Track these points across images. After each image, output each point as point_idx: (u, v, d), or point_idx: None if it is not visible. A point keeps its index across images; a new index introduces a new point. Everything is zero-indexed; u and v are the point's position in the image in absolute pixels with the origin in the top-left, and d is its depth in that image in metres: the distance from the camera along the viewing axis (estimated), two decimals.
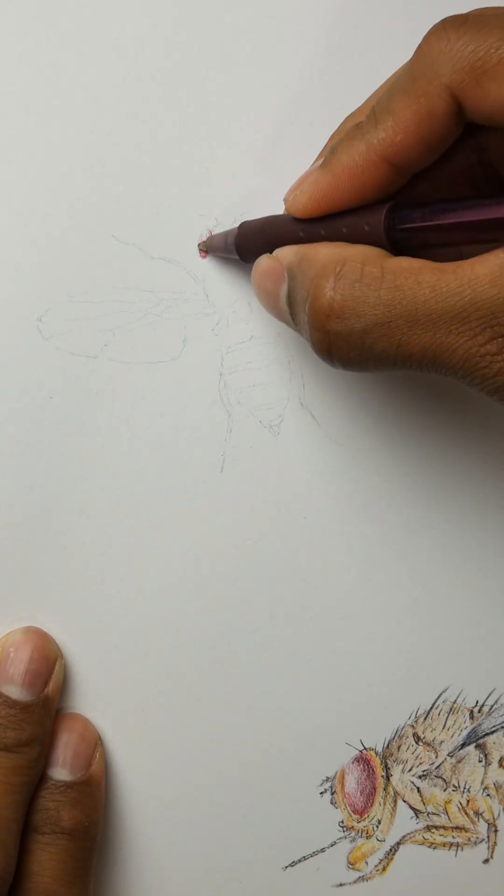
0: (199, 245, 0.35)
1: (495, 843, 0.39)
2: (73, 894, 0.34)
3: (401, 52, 0.35)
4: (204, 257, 0.35)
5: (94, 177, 0.34)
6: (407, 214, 0.29)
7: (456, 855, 0.39)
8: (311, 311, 0.29)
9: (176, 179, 0.35)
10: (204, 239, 0.35)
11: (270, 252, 0.32)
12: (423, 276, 0.27)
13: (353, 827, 0.38)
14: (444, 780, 0.39)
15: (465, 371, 0.27)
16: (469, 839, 0.39)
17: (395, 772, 0.38)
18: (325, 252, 0.29)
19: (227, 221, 0.35)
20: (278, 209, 0.33)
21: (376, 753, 0.38)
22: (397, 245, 0.29)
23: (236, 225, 0.34)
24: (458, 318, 0.27)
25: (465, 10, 0.28)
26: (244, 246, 0.33)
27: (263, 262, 0.32)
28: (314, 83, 0.35)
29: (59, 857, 0.34)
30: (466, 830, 0.39)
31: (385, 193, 0.29)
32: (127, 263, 0.35)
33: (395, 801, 0.38)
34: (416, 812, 0.39)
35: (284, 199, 0.31)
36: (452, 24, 0.27)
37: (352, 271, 0.28)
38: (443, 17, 0.28)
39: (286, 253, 0.31)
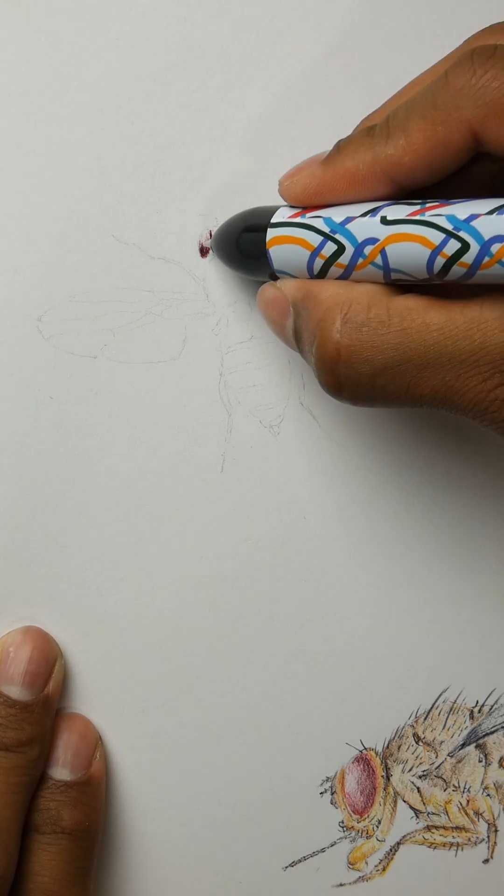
0: (208, 244, 0.35)
1: (495, 843, 0.39)
2: (74, 894, 0.34)
3: (402, 52, 0.35)
4: (204, 257, 0.35)
5: (94, 177, 0.34)
6: None
7: (456, 855, 0.39)
8: (318, 354, 0.29)
9: (176, 179, 0.35)
10: (203, 239, 0.35)
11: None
12: (430, 316, 0.27)
13: (353, 827, 0.38)
14: (445, 780, 0.39)
15: (475, 413, 0.27)
16: (469, 839, 0.39)
17: (395, 772, 0.38)
18: (329, 292, 0.29)
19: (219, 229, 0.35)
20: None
21: (376, 753, 0.38)
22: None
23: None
24: (468, 362, 0.27)
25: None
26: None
27: (268, 291, 0.32)
28: (315, 83, 0.35)
29: (59, 857, 0.34)
30: (466, 830, 0.39)
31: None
32: (127, 263, 0.35)
33: (395, 801, 0.38)
34: (416, 812, 0.39)
35: (280, 181, 0.31)
36: (480, 56, 0.27)
37: (357, 314, 0.28)
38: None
39: (290, 287, 0.31)
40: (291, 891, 0.38)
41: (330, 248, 0.29)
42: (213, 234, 0.34)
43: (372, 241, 0.28)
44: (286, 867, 0.38)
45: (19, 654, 0.35)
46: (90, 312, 0.35)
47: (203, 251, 0.35)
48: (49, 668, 0.35)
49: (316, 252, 0.29)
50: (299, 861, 0.38)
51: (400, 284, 0.29)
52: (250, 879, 0.38)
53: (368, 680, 0.37)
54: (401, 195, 0.29)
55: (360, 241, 0.28)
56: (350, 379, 0.28)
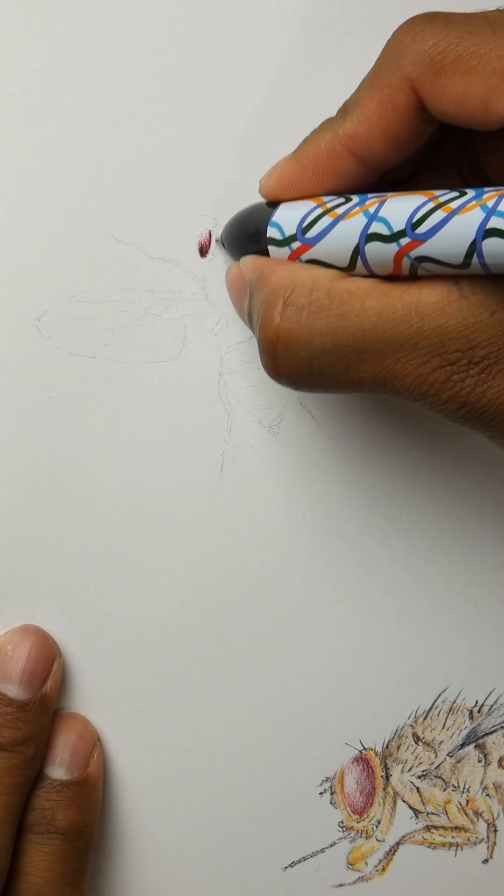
0: (217, 240, 0.35)
1: (495, 843, 0.39)
2: (66, 895, 0.34)
3: None
4: (204, 257, 0.35)
5: (94, 177, 0.34)
6: None
7: (455, 855, 0.39)
8: (260, 336, 0.29)
9: (176, 179, 0.35)
10: (203, 239, 0.35)
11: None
12: (369, 301, 0.27)
13: (352, 827, 0.38)
14: (444, 780, 0.39)
15: (416, 396, 0.28)
16: (469, 839, 0.39)
17: (395, 772, 0.38)
18: (278, 274, 0.30)
19: (227, 221, 0.35)
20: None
21: (376, 753, 0.38)
22: None
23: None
24: (407, 346, 0.27)
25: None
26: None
27: (232, 270, 0.32)
28: (315, 84, 0.35)
29: (52, 858, 0.34)
30: (466, 830, 0.39)
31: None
32: (126, 263, 0.35)
33: (395, 802, 0.38)
34: (416, 812, 0.39)
35: (259, 181, 0.31)
36: (421, 20, 0.27)
37: (299, 297, 0.28)
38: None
39: (248, 265, 0.31)
40: (291, 891, 0.38)
41: (337, 201, 0.29)
42: (223, 228, 0.34)
43: (381, 195, 0.28)
44: (286, 867, 0.38)
45: (17, 652, 0.35)
46: (90, 312, 0.35)
47: (203, 251, 0.35)
48: (47, 667, 0.35)
49: (321, 205, 0.29)
50: (299, 861, 0.38)
51: (352, 273, 0.29)
52: (250, 879, 0.38)
53: (368, 680, 0.37)
54: (372, 176, 0.29)
55: (369, 197, 0.28)
56: (288, 362, 0.29)
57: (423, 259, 0.27)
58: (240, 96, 0.35)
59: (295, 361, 0.28)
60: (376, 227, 0.28)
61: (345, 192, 0.29)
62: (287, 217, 0.30)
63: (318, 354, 0.28)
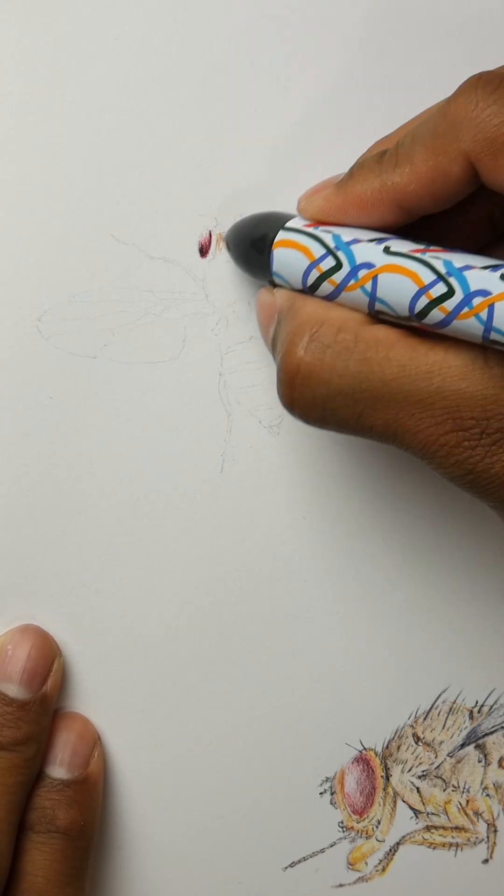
0: (225, 238, 0.35)
1: (495, 843, 0.39)
2: (67, 894, 0.34)
3: (401, 57, 0.35)
4: (204, 257, 0.35)
5: (94, 177, 0.34)
6: None
7: (455, 855, 0.39)
8: (282, 365, 0.29)
9: (176, 179, 0.35)
10: (203, 239, 0.35)
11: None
12: (394, 351, 0.28)
13: (352, 827, 0.38)
14: (444, 781, 0.39)
15: (424, 455, 0.28)
16: (469, 839, 0.39)
17: (395, 772, 0.38)
18: (309, 308, 0.30)
19: (227, 221, 0.35)
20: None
21: (376, 753, 0.38)
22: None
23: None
24: (422, 403, 0.27)
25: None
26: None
27: (263, 295, 0.32)
28: (314, 84, 0.35)
29: (53, 857, 0.34)
30: (466, 830, 0.39)
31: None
32: (127, 263, 0.35)
33: (395, 802, 0.38)
34: (416, 812, 0.39)
35: (298, 200, 0.32)
36: (484, 87, 0.27)
37: (326, 335, 0.29)
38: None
39: (281, 296, 0.31)
40: (291, 891, 0.38)
41: (328, 262, 0.29)
42: (231, 226, 0.34)
43: (368, 265, 0.29)
44: (286, 867, 0.38)
45: (17, 652, 0.35)
46: (90, 312, 0.35)
47: (203, 251, 0.35)
48: (47, 666, 0.35)
49: (314, 263, 0.30)
50: (299, 861, 0.38)
51: (379, 319, 0.29)
52: (250, 880, 0.38)
53: (368, 680, 0.37)
54: (410, 219, 0.29)
55: (357, 262, 0.29)
56: (304, 397, 0.29)
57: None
58: (240, 96, 0.35)
59: (311, 397, 0.29)
60: (381, 307, 0.29)
61: (380, 229, 0.30)
62: (288, 272, 0.31)
63: (334, 394, 0.28)
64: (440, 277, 0.27)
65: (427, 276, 0.27)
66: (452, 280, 0.27)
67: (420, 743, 0.38)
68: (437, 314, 0.27)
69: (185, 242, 0.35)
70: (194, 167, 0.35)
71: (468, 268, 0.27)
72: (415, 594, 0.37)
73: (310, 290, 0.30)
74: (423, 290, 0.27)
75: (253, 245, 0.32)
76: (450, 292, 0.27)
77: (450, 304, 0.27)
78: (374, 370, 0.28)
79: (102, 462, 0.35)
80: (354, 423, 0.28)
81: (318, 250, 0.30)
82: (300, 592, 0.37)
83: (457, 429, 0.27)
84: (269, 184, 0.35)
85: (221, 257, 0.35)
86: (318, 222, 0.31)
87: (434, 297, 0.27)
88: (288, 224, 0.31)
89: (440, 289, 0.27)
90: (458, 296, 0.27)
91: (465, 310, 0.27)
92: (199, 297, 0.35)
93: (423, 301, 0.27)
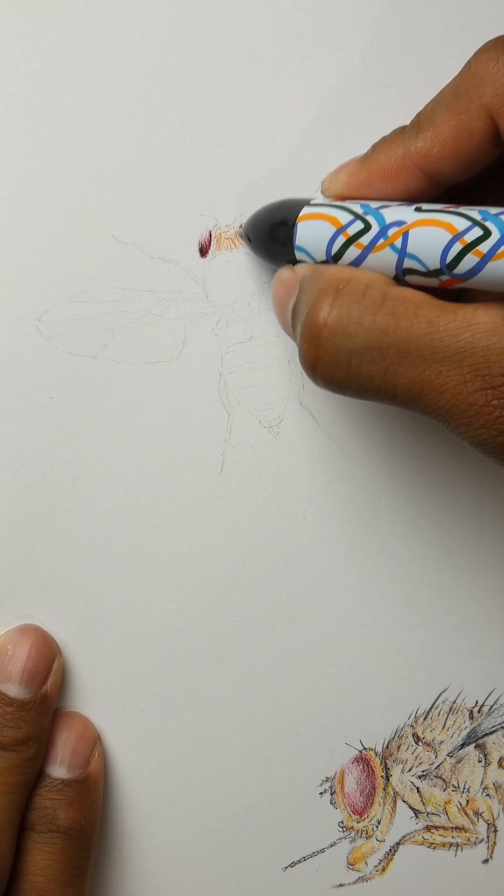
0: (244, 227, 0.35)
1: (495, 843, 0.39)
2: (68, 894, 0.34)
3: (401, 54, 0.35)
4: (204, 257, 0.35)
5: (94, 177, 0.34)
6: None
7: (455, 855, 0.39)
8: (306, 322, 0.29)
9: (176, 179, 0.35)
10: (203, 239, 0.35)
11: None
12: (422, 309, 0.27)
13: (352, 827, 0.38)
14: (444, 781, 0.39)
15: (450, 415, 0.27)
16: (469, 839, 0.39)
17: (395, 772, 0.38)
18: (334, 270, 0.29)
19: (227, 221, 0.35)
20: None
21: (376, 753, 0.38)
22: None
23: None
24: (451, 359, 0.26)
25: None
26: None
27: (283, 272, 0.32)
28: (314, 83, 0.35)
29: (54, 857, 0.34)
30: (466, 830, 0.39)
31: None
32: (127, 263, 0.35)
33: (395, 802, 0.38)
34: (416, 812, 0.39)
35: (322, 181, 0.32)
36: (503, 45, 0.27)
37: (353, 291, 0.28)
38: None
39: (303, 267, 0.31)
40: (291, 891, 0.38)
41: (356, 227, 0.29)
42: (250, 216, 0.34)
43: (399, 223, 0.28)
44: (286, 867, 0.38)
45: (18, 651, 0.35)
46: (90, 312, 0.35)
47: (203, 251, 0.35)
48: (47, 666, 0.35)
49: (341, 230, 0.29)
50: (299, 861, 0.38)
51: (404, 284, 0.29)
52: (250, 879, 0.38)
53: (368, 680, 0.37)
54: (437, 190, 0.29)
55: (388, 222, 0.29)
56: (328, 353, 0.28)
57: (469, 289, 0.27)
58: (240, 96, 0.35)
59: (335, 353, 0.28)
60: (410, 264, 0.28)
61: (407, 200, 0.30)
62: (312, 244, 0.30)
63: (360, 349, 0.27)
64: (475, 223, 0.27)
65: (461, 224, 0.27)
66: (489, 224, 0.27)
67: (420, 743, 0.38)
68: (470, 260, 0.27)
69: (185, 242, 0.35)
70: (194, 167, 0.35)
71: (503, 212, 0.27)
72: (415, 594, 0.37)
73: (334, 259, 0.30)
74: (457, 236, 0.27)
75: (274, 227, 0.32)
76: (486, 234, 0.27)
77: (485, 247, 0.26)
78: (402, 325, 0.27)
79: (102, 462, 0.35)
80: (380, 380, 0.28)
81: (344, 217, 0.30)
82: (300, 592, 0.37)
83: (486, 386, 0.26)
84: (268, 183, 0.35)
85: (221, 257, 0.35)
86: (343, 199, 0.31)
87: (468, 241, 0.27)
88: (312, 202, 0.31)
89: (475, 233, 0.27)
90: (496, 236, 0.26)
91: (502, 248, 0.26)
92: (199, 297, 0.35)
93: (456, 248, 0.27)
